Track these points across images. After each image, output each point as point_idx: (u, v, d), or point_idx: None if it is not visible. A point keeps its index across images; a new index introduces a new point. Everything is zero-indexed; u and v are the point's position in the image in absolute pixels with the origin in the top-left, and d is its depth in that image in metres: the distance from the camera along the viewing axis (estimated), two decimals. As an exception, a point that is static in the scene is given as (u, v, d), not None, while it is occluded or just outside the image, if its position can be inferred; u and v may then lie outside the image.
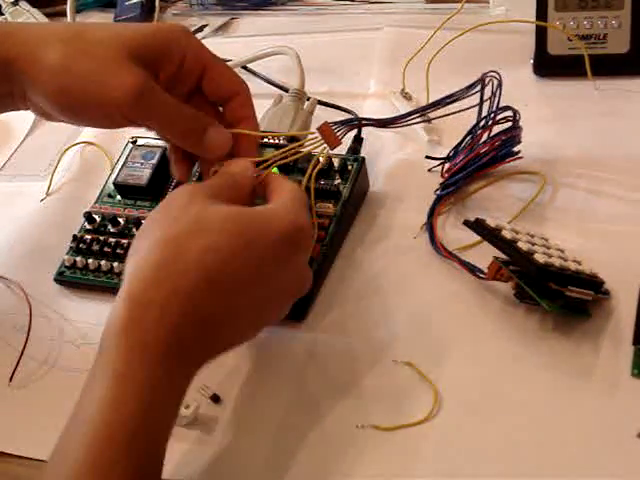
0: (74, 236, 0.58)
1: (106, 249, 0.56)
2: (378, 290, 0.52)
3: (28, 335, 0.54)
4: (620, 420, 0.42)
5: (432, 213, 0.55)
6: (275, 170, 0.49)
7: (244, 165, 0.48)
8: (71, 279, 0.57)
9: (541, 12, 0.64)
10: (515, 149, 0.56)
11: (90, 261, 0.56)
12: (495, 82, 0.54)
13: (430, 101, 0.56)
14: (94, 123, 0.51)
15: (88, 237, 0.57)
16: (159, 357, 0.38)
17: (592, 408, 0.43)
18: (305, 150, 0.49)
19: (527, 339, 0.47)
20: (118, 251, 0.56)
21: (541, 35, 0.64)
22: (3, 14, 0.88)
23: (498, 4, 0.73)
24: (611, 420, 0.42)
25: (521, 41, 0.67)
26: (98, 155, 0.67)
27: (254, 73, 0.73)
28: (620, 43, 0.63)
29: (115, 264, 0.55)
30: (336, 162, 0.56)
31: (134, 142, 0.62)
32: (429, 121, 0.63)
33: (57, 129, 0.73)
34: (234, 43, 0.80)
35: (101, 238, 0.57)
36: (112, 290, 0.52)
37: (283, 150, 0.49)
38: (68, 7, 0.79)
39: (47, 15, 0.86)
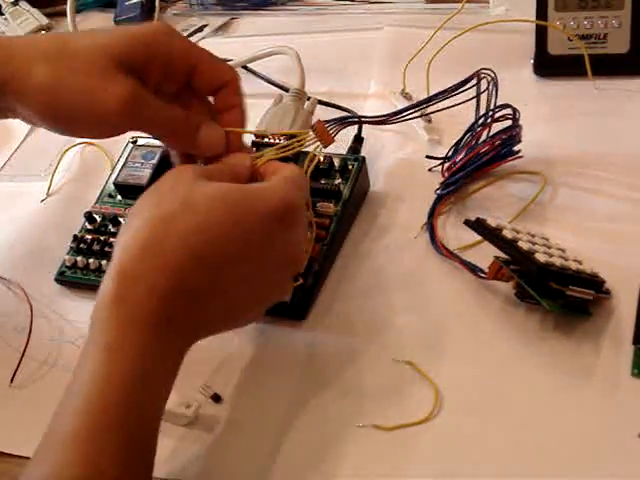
0: (75, 236, 0.58)
1: (107, 249, 0.56)
2: (378, 290, 0.52)
3: (29, 336, 0.54)
4: (620, 420, 0.42)
5: (433, 213, 0.55)
6: None
7: (241, 156, 0.48)
8: (72, 279, 0.57)
9: (541, 12, 0.64)
10: (515, 148, 0.56)
11: (91, 261, 0.56)
12: (490, 80, 0.54)
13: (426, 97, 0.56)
14: (86, 135, 0.52)
15: (89, 237, 0.57)
16: (148, 329, 0.39)
17: (592, 408, 0.43)
18: (297, 147, 0.49)
19: (528, 339, 0.47)
20: (118, 251, 0.56)
21: (541, 35, 0.64)
22: (3, 14, 0.88)
23: (498, 4, 0.73)
24: (611, 420, 0.42)
25: (521, 41, 0.67)
26: (98, 155, 0.67)
27: (254, 73, 0.73)
28: (620, 43, 0.63)
29: (115, 264, 0.55)
30: (337, 162, 0.56)
31: (134, 142, 0.62)
32: (429, 121, 0.63)
33: (57, 129, 0.73)
34: (234, 43, 0.80)
35: (102, 238, 0.57)
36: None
37: (277, 147, 0.49)
38: (68, 7, 0.79)
39: (47, 15, 0.87)
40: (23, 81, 0.47)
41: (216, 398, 0.48)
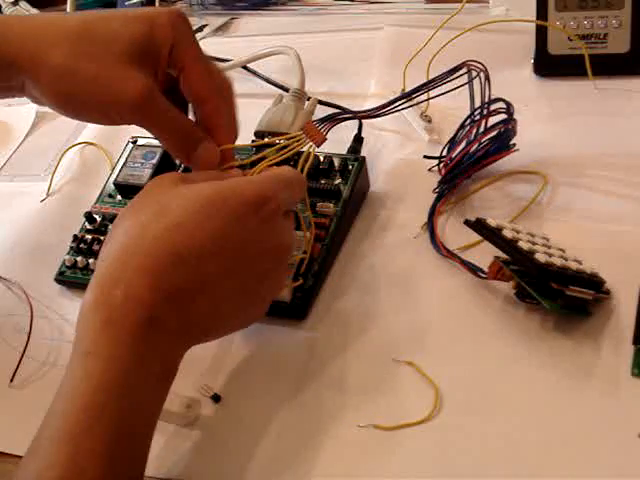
0: (75, 236, 0.58)
1: (106, 249, 0.56)
2: (378, 290, 0.52)
3: (29, 336, 0.54)
4: (620, 420, 0.42)
5: (433, 212, 0.55)
6: None
7: (213, 151, 0.48)
8: (72, 279, 0.57)
9: (541, 12, 0.64)
10: (511, 142, 0.55)
11: (91, 261, 0.56)
12: (479, 71, 0.54)
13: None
14: (93, 121, 0.52)
15: (89, 237, 0.57)
16: (127, 331, 0.39)
17: (592, 408, 0.43)
18: (288, 153, 0.49)
19: (528, 339, 0.47)
20: (118, 251, 0.56)
21: (541, 35, 0.65)
22: (3, 14, 0.88)
23: (498, 4, 0.73)
24: (611, 420, 0.42)
25: (521, 41, 0.67)
26: (98, 155, 0.67)
27: (254, 73, 0.73)
28: (620, 43, 0.63)
29: (115, 264, 0.55)
30: (337, 162, 0.56)
31: (134, 142, 0.62)
32: (429, 121, 0.63)
33: (57, 129, 0.73)
34: (234, 43, 0.80)
35: (102, 238, 0.57)
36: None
37: (269, 158, 0.49)
38: (68, 7, 0.80)
39: (47, 15, 0.86)
40: (39, 62, 0.46)
41: (216, 398, 0.48)
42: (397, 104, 0.54)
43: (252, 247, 0.43)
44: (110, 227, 0.57)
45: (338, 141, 0.58)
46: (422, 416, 0.44)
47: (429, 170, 0.59)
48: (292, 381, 0.48)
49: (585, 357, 0.45)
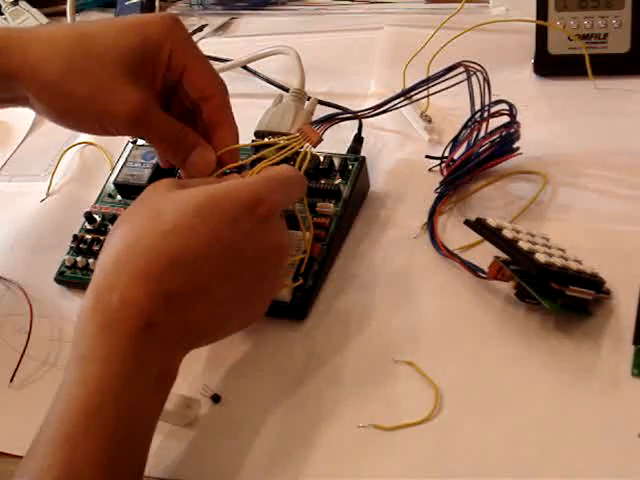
0: (74, 236, 0.58)
1: (106, 249, 0.56)
2: (379, 290, 0.52)
3: (29, 336, 0.54)
4: (620, 420, 0.42)
5: (433, 212, 0.55)
6: None
7: (209, 155, 0.50)
8: (72, 279, 0.57)
9: (541, 12, 0.64)
10: (515, 145, 0.56)
11: (91, 261, 0.56)
12: (475, 72, 0.54)
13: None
14: (89, 133, 0.53)
15: (88, 237, 0.57)
16: (124, 335, 0.39)
17: (592, 408, 0.43)
18: (284, 154, 0.49)
19: (528, 339, 0.47)
20: (118, 251, 0.56)
21: (541, 35, 0.64)
22: (3, 14, 0.88)
23: (498, 4, 0.73)
24: (611, 420, 0.42)
25: (521, 41, 0.67)
26: (98, 155, 0.67)
27: (254, 73, 0.73)
28: (620, 43, 0.63)
29: (115, 264, 0.55)
30: (337, 162, 0.56)
31: (134, 142, 0.62)
32: (429, 121, 0.63)
33: (57, 129, 0.72)
34: (234, 43, 0.80)
35: (102, 238, 0.57)
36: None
37: (266, 160, 0.49)
38: (68, 7, 0.79)
39: (47, 15, 0.87)
40: (35, 74, 0.48)
41: (215, 398, 0.48)
42: (394, 103, 0.54)
43: (248, 249, 0.43)
44: (110, 228, 0.57)
45: (338, 141, 0.58)
46: (422, 416, 0.44)
47: (429, 170, 0.59)
48: (292, 381, 0.48)
49: (585, 357, 0.45)
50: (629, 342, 0.45)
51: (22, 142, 0.73)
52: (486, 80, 0.54)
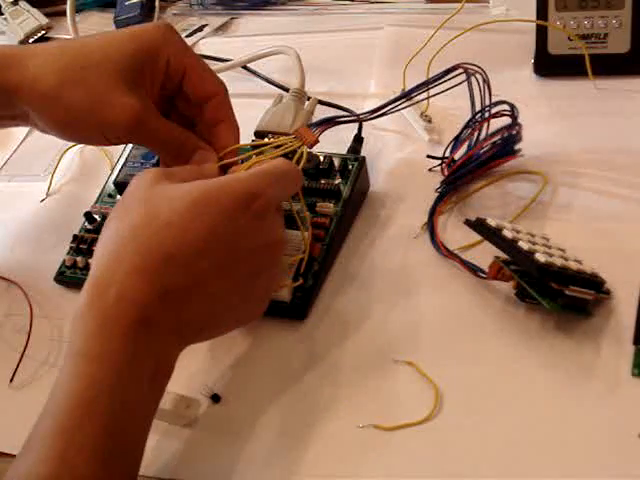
0: (74, 236, 0.58)
1: (106, 249, 0.56)
2: (379, 290, 0.52)
3: (29, 336, 0.54)
4: (620, 420, 0.42)
5: (433, 212, 0.55)
6: None
7: (208, 155, 0.50)
8: (72, 279, 0.57)
9: (541, 12, 0.64)
10: (516, 147, 0.56)
11: (91, 261, 0.56)
12: (474, 73, 0.54)
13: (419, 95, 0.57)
14: (94, 144, 0.56)
15: (88, 237, 0.57)
16: (120, 331, 0.39)
17: (593, 408, 0.43)
18: (279, 152, 0.50)
19: (528, 339, 0.47)
20: (118, 251, 0.56)
21: (541, 35, 0.64)
22: (3, 14, 0.88)
23: (498, 4, 0.73)
24: (611, 420, 0.42)
25: (521, 41, 0.67)
26: (98, 155, 0.67)
27: (254, 73, 0.73)
28: (620, 43, 0.63)
29: (115, 264, 0.55)
30: (337, 162, 0.56)
31: (134, 142, 0.62)
32: (429, 121, 0.63)
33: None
34: (234, 43, 0.80)
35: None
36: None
37: (258, 157, 0.50)
38: (68, 7, 0.80)
39: (47, 15, 0.86)
40: (35, 87, 0.49)
41: (216, 398, 0.48)
42: (393, 105, 0.54)
43: (244, 244, 0.43)
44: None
45: (338, 141, 0.58)
46: (422, 416, 0.44)
47: (429, 170, 0.59)
48: (292, 381, 0.48)
49: (585, 357, 0.45)
50: (629, 342, 0.45)
51: (22, 142, 0.73)
52: (486, 82, 0.54)
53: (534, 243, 0.47)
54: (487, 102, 0.55)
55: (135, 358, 0.39)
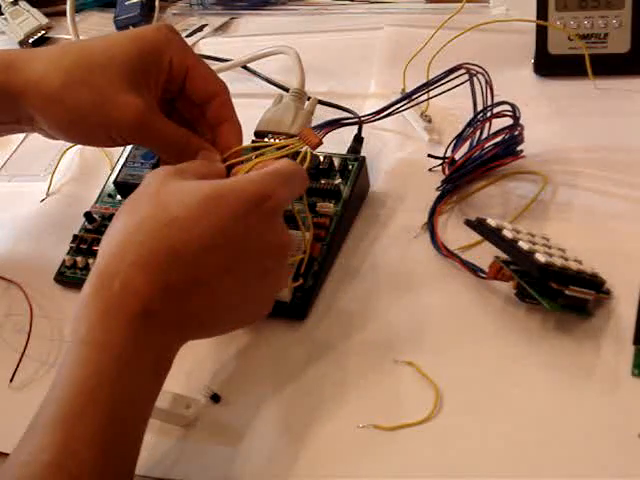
0: (74, 236, 0.58)
1: (106, 249, 0.56)
2: (379, 290, 0.52)
3: (29, 336, 0.54)
4: (621, 420, 0.42)
5: (433, 212, 0.55)
6: None
7: (215, 156, 0.51)
8: (72, 279, 0.57)
9: (541, 12, 0.64)
10: (518, 148, 0.56)
11: (91, 261, 0.56)
12: (475, 73, 0.54)
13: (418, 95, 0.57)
14: (100, 146, 0.56)
15: (88, 237, 0.57)
16: (122, 322, 0.39)
17: (593, 408, 0.43)
18: (288, 151, 0.50)
19: (528, 339, 0.47)
20: (118, 251, 0.56)
21: (542, 35, 0.64)
22: (3, 14, 0.88)
23: (498, 4, 0.73)
24: (612, 420, 0.42)
25: (521, 41, 0.67)
26: (98, 155, 0.67)
27: (254, 73, 0.73)
28: (621, 43, 0.63)
29: (115, 264, 0.55)
30: (337, 162, 0.56)
31: (134, 142, 0.62)
32: (429, 121, 0.63)
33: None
34: (234, 43, 0.80)
35: (102, 238, 0.57)
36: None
37: (259, 158, 0.49)
38: (68, 7, 0.79)
39: (47, 15, 0.86)
40: (39, 89, 0.49)
41: (216, 398, 0.48)
42: (395, 107, 0.54)
43: (251, 245, 0.43)
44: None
45: (338, 141, 0.58)
46: (422, 416, 0.44)
47: (429, 170, 0.59)
48: (292, 381, 0.48)
49: (585, 357, 0.45)
50: (629, 342, 0.45)
51: (22, 142, 0.73)
52: (488, 83, 0.54)
53: (534, 243, 0.47)
54: (489, 102, 0.55)
55: (137, 349, 0.40)
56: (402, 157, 0.61)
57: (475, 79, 0.55)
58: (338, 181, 0.56)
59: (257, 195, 0.43)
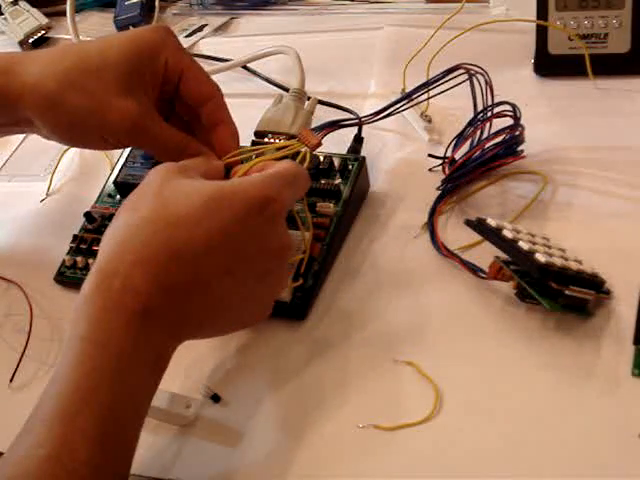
0: (74, 236, 0.58)
1: (106, 249, 0.56)
2: (378, 289, 0.52)
3: (29, 336, 0.54)
4: (621, 420, 0.42)
5: (433, 212, 0.55)
6: None
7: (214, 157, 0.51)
8: (72, 279, 0.57)
9: (542, 11, 0.64)
10: (519, 149, 0.56)
11: (90, 261, 0.56)
12: (474, 73, 0.54)
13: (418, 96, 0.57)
14: (99, 149, 0.57)
15: (88, 237, 0.57)
16: (123, 320, 0.39)
17: (593, 408, 0.43)
18: (287, 151, 0.50)
19: (528, 339, 0.47)
20: (118, 251, 0.56)
21: (542, 35, 0.64)
22: (3, 14, 0.88)
23: (498, 4, 0.73)
24: (612, 420, 0.42)
25: (521, 41, 0.67)
26: (98, 155, 0.67)
27: (254, 73, 0.73)
28: (621, 43, 0.63)
29: (115, 264, 0.55)
30: (337, 162, 0.56)
31: (134, 142, 0.62)
32: (429, 121, 0.63)
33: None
34: (234, 43, 0.80)
35: (101, 238, 0.57)
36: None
37: (259, 158, 0.49)
38: (68, 7, 0.79)
39: (47, 15, 0.86)
40: (36, 91, 0.49)
41: (216, 398, 0.48)
42: (395, 107, 0.54)
43: (253, 247, 0.43)
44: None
45: (338, 141, 0.58)
46: (422, 416, 0.44)
47: (430, 170, 0.59)
48: (292, 381, 0.48)
49: (585, 357, 0.45)
50: (629, 342, 0.45)
51: (22, 142, 0.73)
52: (488, 83, 0.54)
53: (534, 243, 0.47)
54: (489, 102, 0.55)
55: (136, 347, 0.40)
56: (402, 157, 0.61)
57: (475, 79, 0.55)
58: (338, 181, 0.56)
59: (261, 198, 0.43)
